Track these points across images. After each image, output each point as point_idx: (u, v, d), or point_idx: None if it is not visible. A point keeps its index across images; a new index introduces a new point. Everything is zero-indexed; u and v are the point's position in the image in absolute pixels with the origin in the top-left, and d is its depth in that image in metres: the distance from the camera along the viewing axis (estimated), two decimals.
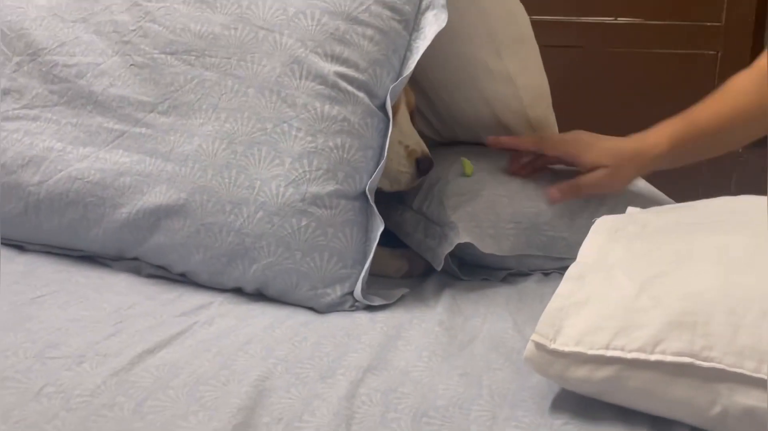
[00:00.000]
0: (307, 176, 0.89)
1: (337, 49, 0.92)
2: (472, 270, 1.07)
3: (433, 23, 0.94)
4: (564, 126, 1.24)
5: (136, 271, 1.00)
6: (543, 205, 1.08)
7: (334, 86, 0.91)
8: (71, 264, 1.03)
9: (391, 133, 0.97)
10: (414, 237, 1.08)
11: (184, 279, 0.97)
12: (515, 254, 1.05)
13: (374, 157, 0.93)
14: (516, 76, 1.13)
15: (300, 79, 0.91)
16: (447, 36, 1.05)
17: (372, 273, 1.02)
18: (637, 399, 0.67)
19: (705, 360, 0.63)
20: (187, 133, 0.95)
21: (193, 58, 0.96)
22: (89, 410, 0.67)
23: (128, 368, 0.73)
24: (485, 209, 1.06)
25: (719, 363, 0.63)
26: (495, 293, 1.00)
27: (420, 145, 1.04)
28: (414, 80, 1.13)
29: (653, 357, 0.64)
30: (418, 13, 0.95)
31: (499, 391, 0.73)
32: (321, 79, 0.91)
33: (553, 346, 0.68)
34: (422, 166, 1.03)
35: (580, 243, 0.80)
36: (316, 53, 0.92)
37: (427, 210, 1.08)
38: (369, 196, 0.92)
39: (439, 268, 1.02)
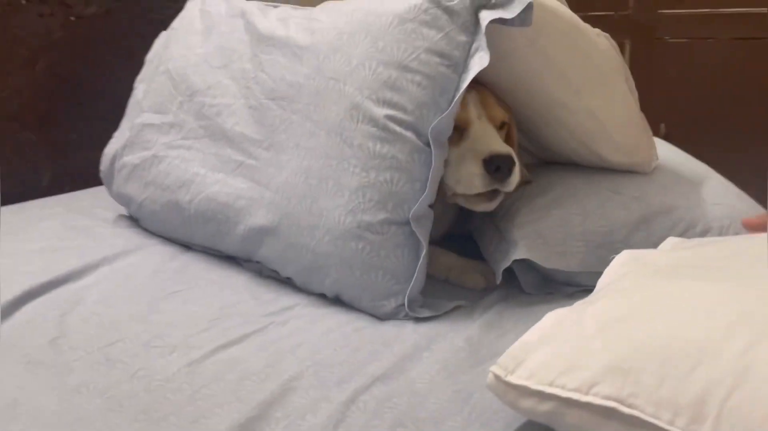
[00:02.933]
0: (362, 206, 1.00)
1: (388, 95, 1.00)
2: (543, 284, 1.11)
3: (476, 64, 0.98)
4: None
5: (259, 272, 1.17)
6: (618, 224, 1.08)
7: (384, 128, 1.00)
8: (216, 263, 1.23)
9: (462, 144, 1.05)
10: (488, 247, 1.14)
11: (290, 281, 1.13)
12: (585, 270, 1.06)
13: (422, 188, 1.00)
14: (598, 110, 1.13)
15: (357, 122, 1.01)
16: (522, 79, 1.09)
17: (452, 283, 1.11)
18: None
19: (629, 406, 0.64)
20: (280, 167, 1.10)
21: (285, 103, 1.10)
22: (160, 393, 0.84)
23: (201, 360, 0.90)
24: (554, 227, 1.08)
25: (640, 411, 0.64)
26: (544, 309, 1.02)
27: (488, 147, 1.04)
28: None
29: (585, 398, 0.66)
30: (468, 56, 1.00)
31: (481, 410, 0.78)
32: (373, 122, 1.00)
33: (507, 378, 0.72)
34: (488, 166, 1.03)
35: None
36: (371, 99, 1.01)
37: (500, 223, 1.13)
38: (412, 223, 0.99)
39: (497, 282, 1.07)
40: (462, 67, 1.00)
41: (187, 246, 1.30)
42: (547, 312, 0.99)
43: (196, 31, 1.36)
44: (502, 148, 1.05)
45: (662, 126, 1.92)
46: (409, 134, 1.00)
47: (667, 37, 2.19)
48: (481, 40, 0.98)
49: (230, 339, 0.95)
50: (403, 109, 1.00)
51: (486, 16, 0.98)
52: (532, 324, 0.96)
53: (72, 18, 1.63)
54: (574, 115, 1.12)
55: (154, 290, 1.12)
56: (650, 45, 2.21)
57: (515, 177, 1.05)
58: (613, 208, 1.09)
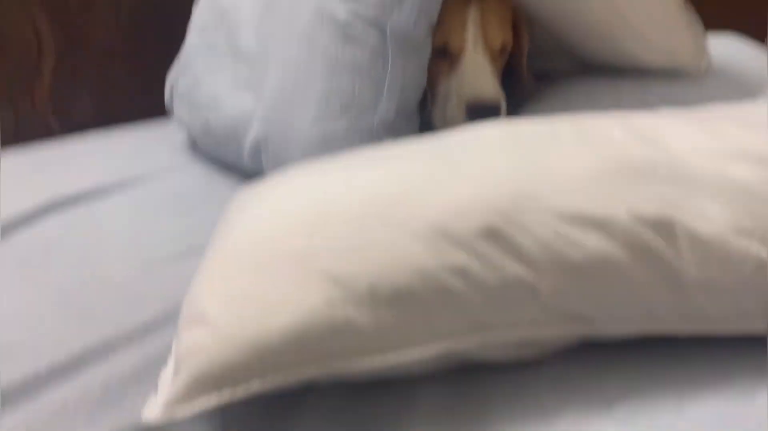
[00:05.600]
0: (326, 114, 0.95)
1: None
2: None
3: None
4: None
5: None
6: None
7: (346, 26, 0.93)
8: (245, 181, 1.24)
9: (451, 78, 0.98)
10: None
11: None
12: None
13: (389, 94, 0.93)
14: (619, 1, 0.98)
15: (321, 23, 0.96)
16: None
17: None
18: None
19: None
20: (267, 78, 1.07)
21: (273, 13, 1.08)
22: (107, 293, 0.89)
23: (157, 266, 0.94)
24: None
25: None
26: None
27: (475, 90, 0.97)
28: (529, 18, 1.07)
29: None
30: None
31: None
32: (334, 21, 0.94)
33: None
34: (470, 112, 0.96)
35: None
36: None
37: None
38: (378, 131, 0.93)
39: None
40: None
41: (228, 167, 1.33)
42: None
43: None
44: (489, 92, 0.97)
45: None
46: (371, 33, 0.93)
47: None
48: None
49: (193, 248, 0.96)
50: (365, 4, 0.93)
51: None
52: None
53: None
54: (592, 6, 0.97)
55: (164, 205, 1.16)
56: None
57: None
58: (631, 107, 0.94)
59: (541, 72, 1.13)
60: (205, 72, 1.33)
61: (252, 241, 0.63)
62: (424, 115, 1.03)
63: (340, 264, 0.58)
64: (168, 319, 0.80)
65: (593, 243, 0.57)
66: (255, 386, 0.55)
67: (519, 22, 1.05)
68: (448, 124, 0.98)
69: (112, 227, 1.08)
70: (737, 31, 1.34)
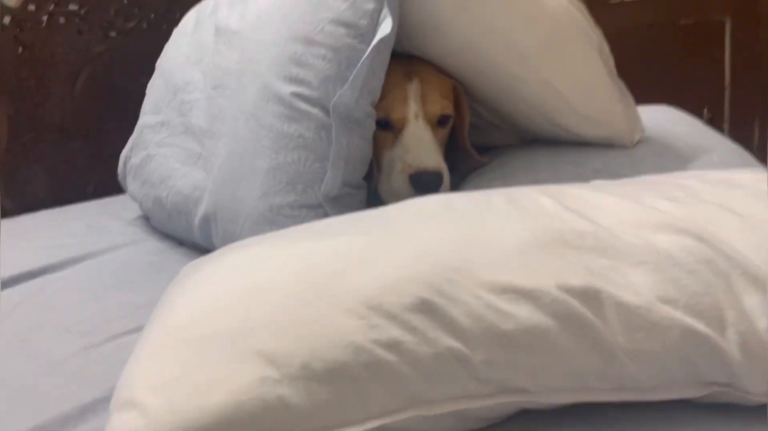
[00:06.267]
0: (273, 189, 0.97)
1: (294, 71, 0.97)
2: None
3: (380, 33, 0.91)
4: None
5: None
6: None
7: (290, 106, 0.96)
8: (195, 256, 1.24)
9: (395, 149, 1.01)
10: None
11: None
12: None
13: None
14: (553, 78, 1.03)
15: (267, 102, 0.98)
16: (463, 50, 1.02)
17: None
18: None
19: None
20: (217, 154, 1.09)
21: (221, 90, 1.10)
22: (45, 374, 0.86)
23: (100, 344, 0.91)
24: None
25: None
26: None
27: (417, 160, 0.99)
28: (469, 94, 1.11)
29: None
30: (377, 24, 0.93)
31: None
32: (280, 100, 0.97)
33: None
34: (414, 182, 0.98)
35: None
36: (278, 77, 0.98)
37: None
38: (325, 206, 0.94)
39: None
40: (371, 36, 0.94)
41: (181, 242, 1.32)
42: None
43: (187, 31, 1.39)
44: (431, 162, 1.00)
45: (705, 110, 1.70)
46: (315, 111, 0.96)
47: None
48: (387, 6, 0.91)
49: (139, 325, 0.94)
50: (309, 85, 0.96)
51: None
52: None
53: (112, 34, 1.73)
54: (527, 84, 1.02)
55: (113, 281, 1.15)
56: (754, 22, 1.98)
57: (446, 188, 1.00)
58: (567, 179, 0.96)
59: (483, 145, 1.16)
60: (158, 148, 1.34)
61: (187, 320, 0.63)
62: (371, 187, 1.05)
63: (273, 341, 0.57)
64: (106, 401, 0.77)
65: (523, 314, 0.58)
66: None
67: (459, 97, 1.09)
68: (393, 194, 1.00)
69: (60, 304, 1.06)
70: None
